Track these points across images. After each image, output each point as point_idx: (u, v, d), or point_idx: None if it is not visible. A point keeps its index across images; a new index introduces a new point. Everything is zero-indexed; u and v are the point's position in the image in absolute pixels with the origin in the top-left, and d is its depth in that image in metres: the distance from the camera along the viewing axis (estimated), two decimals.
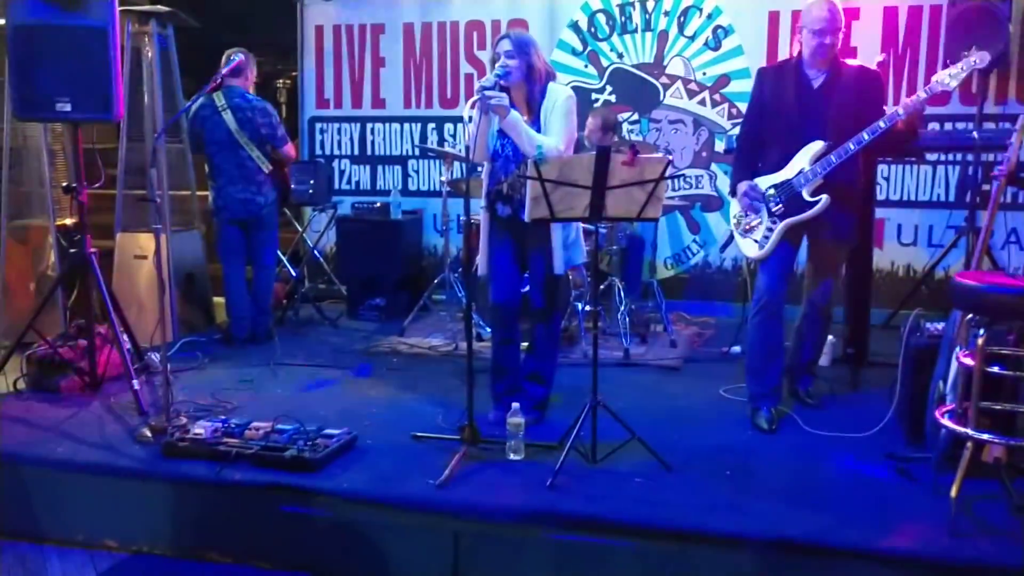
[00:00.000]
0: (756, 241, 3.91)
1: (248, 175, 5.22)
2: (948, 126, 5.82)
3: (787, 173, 3.82)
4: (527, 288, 4.01)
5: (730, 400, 4.22)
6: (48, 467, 3.51)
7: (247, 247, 5.39)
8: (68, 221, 5.41)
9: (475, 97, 3.55)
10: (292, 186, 5.71)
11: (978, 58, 3.66)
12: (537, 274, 3.88)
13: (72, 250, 4.56)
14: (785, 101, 3.86)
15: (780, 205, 3.84)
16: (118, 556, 3.35)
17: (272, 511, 3.23)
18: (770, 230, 3.86)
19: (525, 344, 4.05)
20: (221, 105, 5.13)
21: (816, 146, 3.75)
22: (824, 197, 3.74)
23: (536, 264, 3.87)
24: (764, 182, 3.89)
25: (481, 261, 3.88)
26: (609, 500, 3.11)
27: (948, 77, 3.65)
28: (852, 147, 3.67)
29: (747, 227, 3.96)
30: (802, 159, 3.79)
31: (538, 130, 3.71)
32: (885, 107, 3.86)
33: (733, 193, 4.02)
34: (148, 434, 3.67)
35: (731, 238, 4.17)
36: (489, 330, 4.58)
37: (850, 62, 3.96)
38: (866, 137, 3.63)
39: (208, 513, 3.33)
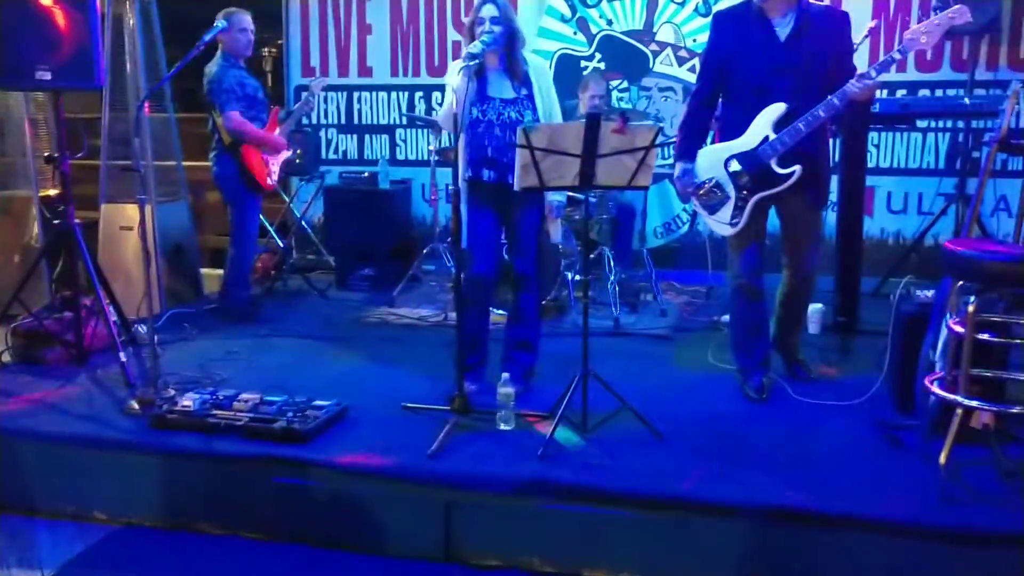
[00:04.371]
0: (727, 223, 3.70)
1: (211, 142, 5.08)
2: (939, 92, 5.80)
3: (750, 141, 3.57)
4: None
5: (720, 369, 4.21)
6: (36, 440, 3.48)
7: None
8: (52, 192, 5.34)
9: (461, 64, 3.50)
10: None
11: (955, 13, 3.33)
12: (525, 240, 3.85)
13: (56, 221, 4.50)
14: (749, 54, 3.57)
15: (747, 177, 3.61)
16: (108, 528, 3.34)
17: (263, 482, 3.22)
18: (740, 207, 3.65)
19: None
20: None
21: (778, 109, 3.50)
22: (797, 168, 3.50)
23: (524, 229, 3.84)
24: (724, 151, 3.66)
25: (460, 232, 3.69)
26: (601, 469, 3.11)
27: (924, 36, 3.36)
28: (822, 114, 3.43)
29: (710, 202, 3.72)
30: (764, 125, 3.53)
31: (531, 96, 3.73)
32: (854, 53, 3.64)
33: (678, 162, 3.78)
34: (136, 406, 3.65)
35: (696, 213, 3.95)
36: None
37: (815, 3, 3.68)
38: (837, 102, 3.41)
39: (198, 485, 3.32)
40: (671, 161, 6.16)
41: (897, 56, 3.44)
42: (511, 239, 3.90)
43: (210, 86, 4.90)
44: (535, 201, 3.80)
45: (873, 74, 3.41)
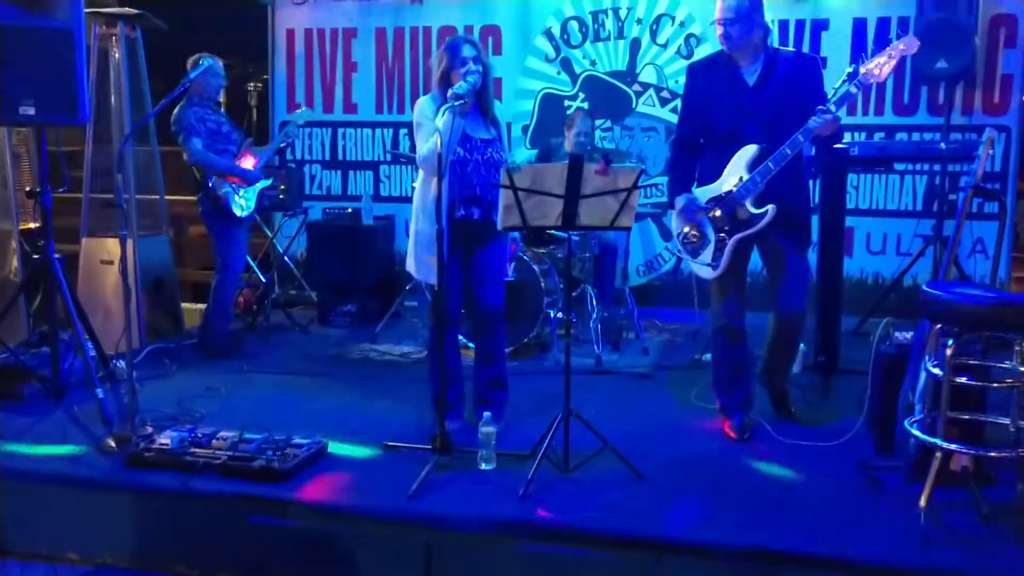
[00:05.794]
0: (708, 264, 3.75)
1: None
2: (916, 136, 5.90)
3: (726, 183, 3.65)
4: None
5: (702, 408, 4.21)
6: (9, 478, 3.42)
7: None
8: (32, 225, 5.31)
9: (433, 103, 3.62)
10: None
11: (906, 44, 3.46)
12: (496, 272, 3.88)
13: (35, 255, 4.47)
14: (720, 101, 3.66)
15: (725, 219, 3.67)
16: (81, 569, 3.28)
17: (240, 522, 3.18)
18: (720, 249, 3.70)
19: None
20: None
21: (750, 151, 3.59)
22: (771, 207, 3.57)
23: (495, 262, 3.87)
24: (703, 195, 3.73)
25: (429, 272, 3.68)
26: (582, 510, 3.09)
27: (876, 68, 3.46)
28: (788, 152, 3.49)
29: (693, 245, 3.77)
30: (738, 167, 3.61)
31: (500, 138, 3.82)
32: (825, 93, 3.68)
33: (672, 206, 3.84)
34: (112, 444, 3.60)
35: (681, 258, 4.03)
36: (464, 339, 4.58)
37: (784, 49, 3.79)
38: (801, 139, 3.48)
39: (174, 525, 3.27)
40: (653, 200, 6.29)
41: (854, 90, 3.54)
42: (480, 274, 3.86)
43: (173, 126, 5.01)
44: (502, 234, 3.83)
45: (833, 108, 3.49)
